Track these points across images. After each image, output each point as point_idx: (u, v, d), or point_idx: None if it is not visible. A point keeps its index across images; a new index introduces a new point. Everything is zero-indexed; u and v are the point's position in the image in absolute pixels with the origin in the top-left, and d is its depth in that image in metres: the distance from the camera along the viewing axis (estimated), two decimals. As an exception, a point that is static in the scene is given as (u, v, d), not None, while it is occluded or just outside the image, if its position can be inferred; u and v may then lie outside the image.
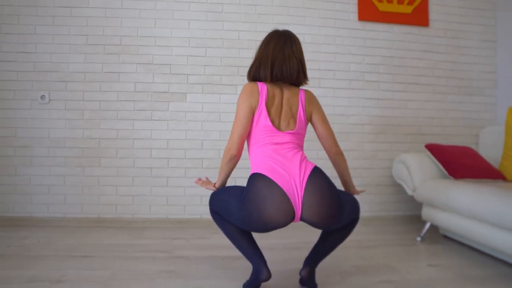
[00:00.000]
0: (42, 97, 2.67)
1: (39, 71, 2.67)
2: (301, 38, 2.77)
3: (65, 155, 2.68)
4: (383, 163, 2.93)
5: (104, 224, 2.61)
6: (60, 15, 2.67)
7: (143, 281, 1.66)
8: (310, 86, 2.80)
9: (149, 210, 2.71)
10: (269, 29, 1.74)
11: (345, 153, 2.88)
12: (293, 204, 1.33)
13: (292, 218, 1.36)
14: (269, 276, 1.45)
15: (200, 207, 2.75)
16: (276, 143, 1.50)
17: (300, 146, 1.57)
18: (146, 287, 1.60)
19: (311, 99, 1.66)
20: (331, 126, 2.76)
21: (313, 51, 2.84)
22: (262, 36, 2.71)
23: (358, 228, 2.67)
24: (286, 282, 1.67)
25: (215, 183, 1.61)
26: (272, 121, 1.53)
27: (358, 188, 2.51)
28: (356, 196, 2.87)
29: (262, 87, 1.54)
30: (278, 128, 1.53)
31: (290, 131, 1.54)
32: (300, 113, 1.58)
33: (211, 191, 1.63)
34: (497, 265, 1.92)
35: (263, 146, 1.51)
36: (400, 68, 2.94)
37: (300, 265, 1.69)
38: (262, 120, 1.51)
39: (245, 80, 2.76)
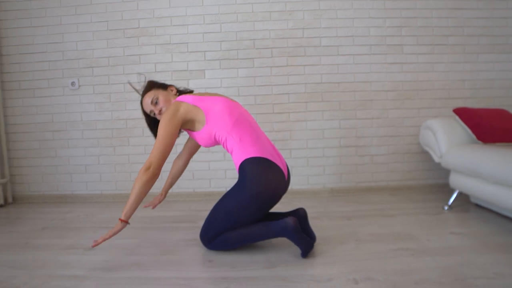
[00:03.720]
0: (73, 83, 2.84)
1: (67, 59, 2.84)
2: (316, 5, 2.72)
3: (97, 136, 2.86)
4: (410, 130, 2.83)
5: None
6: (82, 4, 2.78)
7: (168, 247, 1.79)
8: (329, 54, 2.74)
9: (176, 185, 2.84)
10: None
11: (368, 122, 2.85)
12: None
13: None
14: (295, 219, 1.58)
15: (224, 181, 2.84)
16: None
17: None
18: (170, 253, 1.72)
19: None
20: (353, 94, 2.71)
21: (329, 18, 2.74)
22: (276, 7, 2.71)
23: (382, 197, 2.65)
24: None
25: (120, 218, 1.52)
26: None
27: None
28: (382, 164, 2.82)
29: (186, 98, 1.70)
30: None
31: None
32: None
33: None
34: (525, 230, 1.83)
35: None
36: (425, 29, 2.77)
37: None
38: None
39: (261, 53, 2.76)
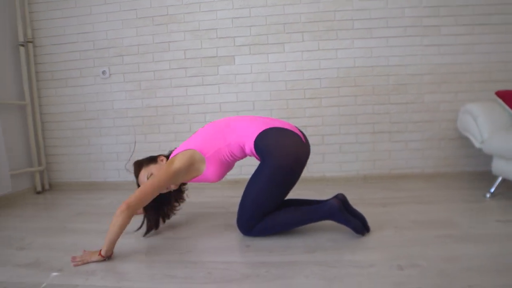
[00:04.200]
0: (103, 72, 2.87)
1: (98, 48, 2.86)
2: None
3: (128, 124, 2.89)
4: (447, 115, 2.71)
5: (167, 186, 2.81)
6: (111, -8, 2.80)
7: (202, 232, 1.80)
8: (361, 37, 2.65)
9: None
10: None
11: (402, 106, 2.75)
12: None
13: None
14: (340, 201, 1.60)
15: (252, 168, 2.81)
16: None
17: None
18: (206, 238, 1.72)
19: None
20: (387, 78, 2.60)
21: (362, -1, 2.65)
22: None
23: (416, 184, 2.57)
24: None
25: (99, 251, 1.47)
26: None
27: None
28: (416, 150, 2.73)
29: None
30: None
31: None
32: None
33: None
34: None
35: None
36: (464, 8, 2.62)
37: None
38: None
39: (292, 37, 2.70)
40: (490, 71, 2.66)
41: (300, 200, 1.75)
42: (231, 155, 1.65)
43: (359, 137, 2.75)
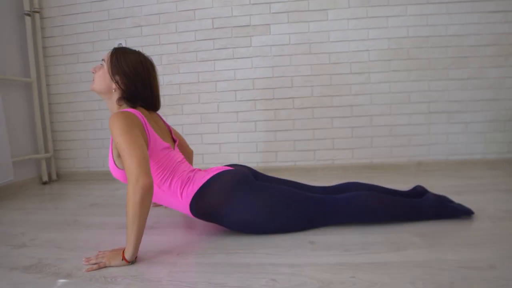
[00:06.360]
0: (119, 45, 2.52)
1: (113, 18, 2.54)
2: None
3: (147, 105, 2.56)
4: (513, 92, 2.37)
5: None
6: (129, -47, 2.48)
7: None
8: (416, 3, 2.32)
9: (238, 157, 2.51)
10: None
11: (462, 83, 2.41)
12: None
13: None
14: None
15: (294, 154, 2.48)
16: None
17: None
18: (252, 236, 1.37)
19: None
20: (445, 50, 2.24)
21: (418, -41, 2.31)
22: None
23: (481, 172, 2.23)
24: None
25: (123, 251, 1.11)
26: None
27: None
28: (478, 133, 2.41)
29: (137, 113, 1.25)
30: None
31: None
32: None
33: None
34: None
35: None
36: (537, -33, 2.29)
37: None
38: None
39: (337, 3, 2.37)
40: None
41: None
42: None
43: (412, 118, 2.41)
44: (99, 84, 1.29)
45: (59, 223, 1.62)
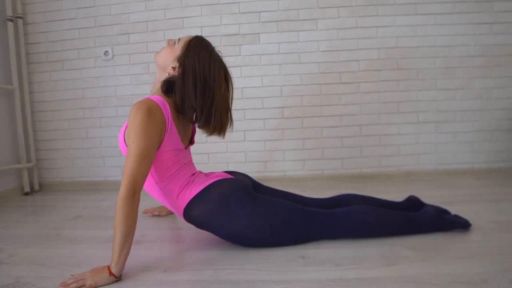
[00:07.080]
0: (106, 53, 2.49)
1: (100, 25, 2.49)
2: None
3: (134, 114, 2.50)
4: (500, 103, 2.39)
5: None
6: (116, -40, 2.44)
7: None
8: (405, 14, 2.34)
9: (227, 167, 2.46)
10: None
11: (450, 93, 2.42)
12: None
13: None
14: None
15: (283, 164, 2.45)
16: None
17: None
18: (244, 249, 1.34)
19: None
20: (433, 60, 2.26)
21: (407, -30, 2.34)
22: None
23: (469, 182, 2.25)
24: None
25: (108, 268, 1.06)
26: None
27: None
28: (466, 142, 2.42)
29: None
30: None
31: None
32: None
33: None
34: None
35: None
36: (522, -20, 2.33)
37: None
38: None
39: (326, 13, 2.37)
40: (548, 53, 2.36)
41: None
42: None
43: (401, 128, 2.42)
44: (160, 58, 1.32)
45: (41, 237, 1.55)
